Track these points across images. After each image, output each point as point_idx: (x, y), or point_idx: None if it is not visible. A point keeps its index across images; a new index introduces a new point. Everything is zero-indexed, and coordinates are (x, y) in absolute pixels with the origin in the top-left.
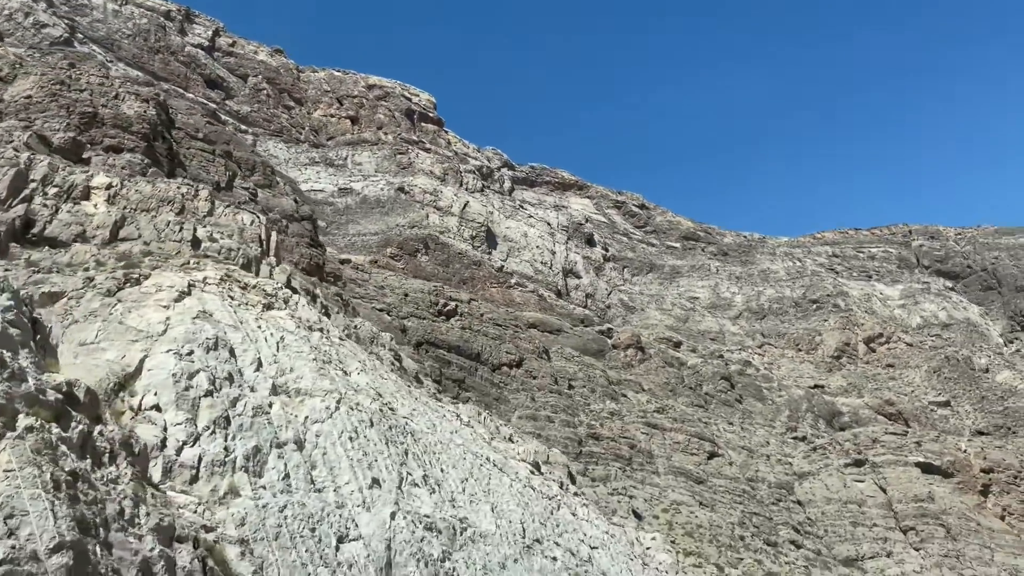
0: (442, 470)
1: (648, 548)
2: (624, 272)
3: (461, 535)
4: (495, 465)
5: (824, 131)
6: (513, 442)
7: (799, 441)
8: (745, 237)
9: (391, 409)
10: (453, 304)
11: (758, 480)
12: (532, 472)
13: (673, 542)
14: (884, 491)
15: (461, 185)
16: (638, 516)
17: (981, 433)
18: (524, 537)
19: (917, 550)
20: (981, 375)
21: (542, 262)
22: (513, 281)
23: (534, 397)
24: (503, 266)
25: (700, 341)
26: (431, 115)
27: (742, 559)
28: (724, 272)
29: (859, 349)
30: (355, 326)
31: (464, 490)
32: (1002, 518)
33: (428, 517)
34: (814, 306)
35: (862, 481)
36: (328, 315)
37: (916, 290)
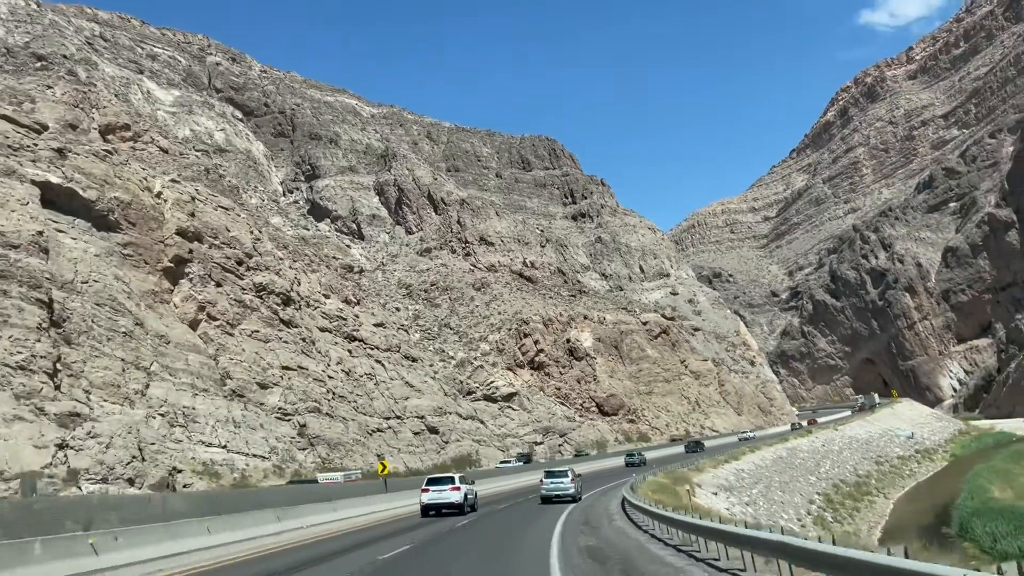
0: None
1: None
2: None
3: None
4: None
5: None
6: None
7: None
8: None
9: None
10: None
11: None
12: None
13: None
14: None
15: None
16: None
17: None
18: None
19: None
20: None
21: None
22: None
23: None
24: None
25: None
26: None
27: None
28: None
29: (92, 136)
30: None
31: None
32: (195, 325)
33: None
34: (39, 63)
35: None
36: None
37: (196, 103)
